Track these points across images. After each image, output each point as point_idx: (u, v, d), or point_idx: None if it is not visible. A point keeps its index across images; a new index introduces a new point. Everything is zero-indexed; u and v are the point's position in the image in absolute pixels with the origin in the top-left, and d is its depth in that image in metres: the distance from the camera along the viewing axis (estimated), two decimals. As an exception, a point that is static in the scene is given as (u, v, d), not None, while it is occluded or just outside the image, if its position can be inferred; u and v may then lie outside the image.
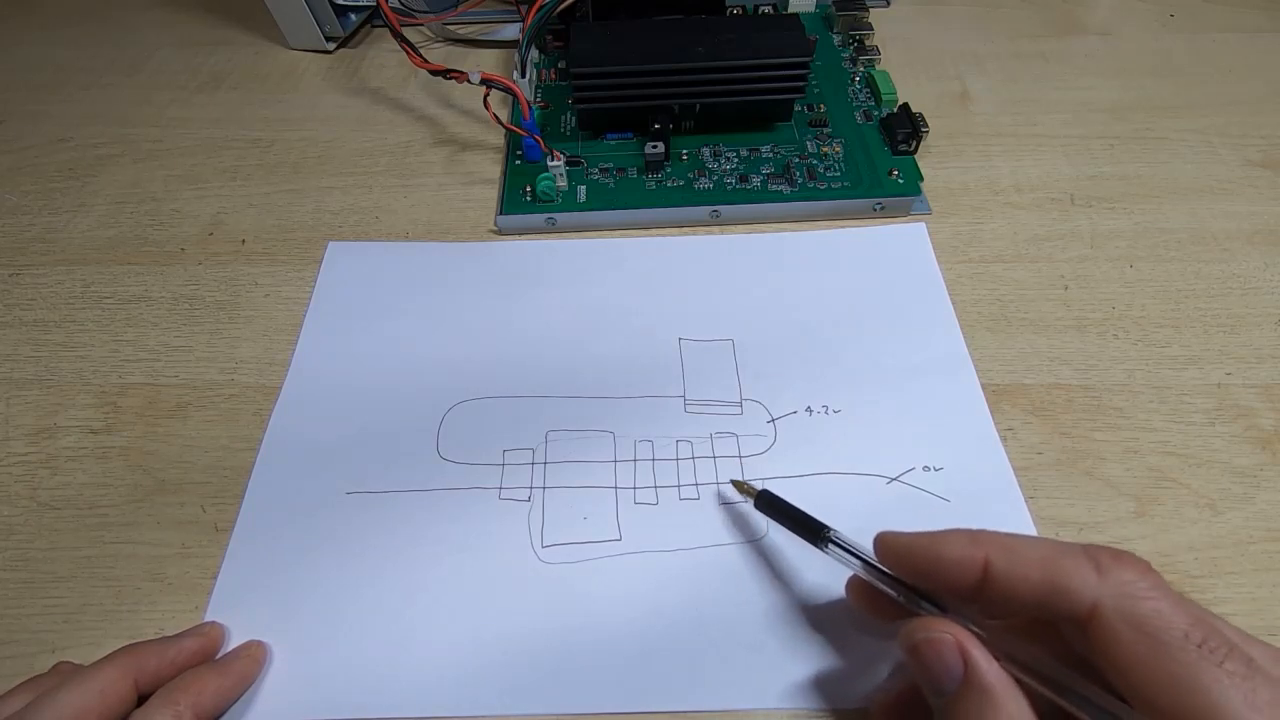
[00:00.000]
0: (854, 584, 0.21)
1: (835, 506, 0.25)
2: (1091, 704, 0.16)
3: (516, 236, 0.33)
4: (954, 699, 0.17)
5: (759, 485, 0.24)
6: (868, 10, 0.42)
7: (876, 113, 0.37)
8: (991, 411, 0.27)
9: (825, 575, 0.23)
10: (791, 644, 0.22)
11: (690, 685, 0.22)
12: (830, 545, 0.21)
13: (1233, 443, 0.26)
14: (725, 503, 0.25)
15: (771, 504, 0.23)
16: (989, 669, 0.17)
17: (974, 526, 0.24)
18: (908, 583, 0.19)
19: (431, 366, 0.29)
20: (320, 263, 0.32)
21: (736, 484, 0.25)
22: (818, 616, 0.23)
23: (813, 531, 0.22)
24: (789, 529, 0.23)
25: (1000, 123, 0.38)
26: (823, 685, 0.22)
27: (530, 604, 0.23)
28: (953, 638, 0.17)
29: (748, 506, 0.24)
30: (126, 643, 0.21)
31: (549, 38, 0.41)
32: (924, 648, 0.17)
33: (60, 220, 0.35)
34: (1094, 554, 0.17)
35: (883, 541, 0.19)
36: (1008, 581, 0.17)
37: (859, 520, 0.24)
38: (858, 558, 0.20)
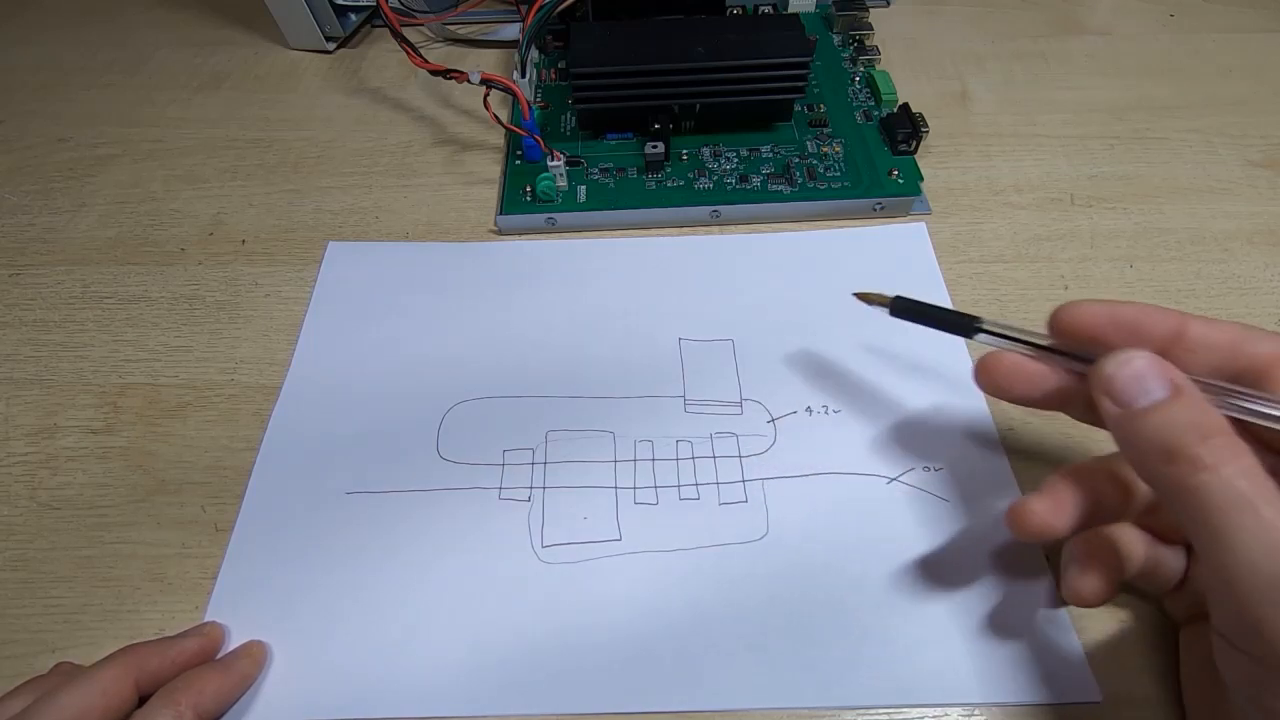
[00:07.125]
0: (997, 367, 0.21)
1: (834, 507, 0.25)
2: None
3: (516, 236, 0.33)
4: (1158, 407, 0.17)
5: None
6: (868, 10, 0.42)
7: (876, 113, 0.37)
8: (991, 411, 0.27)
9: (826, 574, 0.23)
10: (791, 644, 0.22)
11: (690, 685, 0.22)
12: (981, 334, 0.21)
13: (1233, 443, 0.26)
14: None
15: (909, 308, 0.23)
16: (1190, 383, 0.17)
17: (972, 526, 0.24)
18: (1080, 354, 0.19)
19: (431, 366, 0.29)
20: (320, 263, 0.32)
21: (863, 296, 0.25)
22: (819, 616, 0.23)
23: (960, 325, 0.22)
24: (933, 327, 0.23)
25: (1000, 123, 0.38)
26: (822, 685, 0.22)
27: (530, 604, 0.23)
28: (1153, 356, 0.17)
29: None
30: (126, 643, 0.21)
31: (549, 38, 0.41)
32: (1126, 366, 0.17)
33: (60, 220, 0.35)
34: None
35: (1071, 311, 0.19)
36: (1204, 338, 0.18)
37: (858, 520, 0.25)
38: (1019, 339, 0.20)
